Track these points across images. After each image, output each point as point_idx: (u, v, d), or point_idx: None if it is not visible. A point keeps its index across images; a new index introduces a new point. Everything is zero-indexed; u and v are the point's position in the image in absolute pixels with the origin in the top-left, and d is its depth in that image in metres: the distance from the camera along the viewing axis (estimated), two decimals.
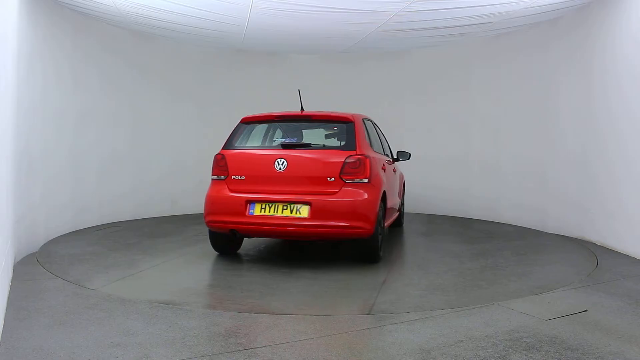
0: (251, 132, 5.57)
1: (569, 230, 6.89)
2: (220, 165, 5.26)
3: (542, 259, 5.54)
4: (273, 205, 4.92)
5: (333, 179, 4.87)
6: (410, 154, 7.06)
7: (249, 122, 5.59)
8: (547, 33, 7.21)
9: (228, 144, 5.44)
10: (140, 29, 7.58)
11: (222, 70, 8.95)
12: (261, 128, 5.64)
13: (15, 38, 4.73)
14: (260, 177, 5.07)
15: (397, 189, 6.86)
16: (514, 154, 7.87)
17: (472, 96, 8.55)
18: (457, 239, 6.77)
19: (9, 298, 3.87)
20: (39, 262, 5.03)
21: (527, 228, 7.53)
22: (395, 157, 7.01)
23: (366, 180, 4.91)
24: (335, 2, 6.07)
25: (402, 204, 7.66)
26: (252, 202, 4.98)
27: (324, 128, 5.72)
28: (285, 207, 4.87)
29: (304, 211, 4.82)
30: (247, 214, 4.97)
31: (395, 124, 8.60)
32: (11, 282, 4.30)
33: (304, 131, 5.66)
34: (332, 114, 5.49)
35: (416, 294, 4.21)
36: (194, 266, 5.23)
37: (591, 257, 5.57)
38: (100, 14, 6.81)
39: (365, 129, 5.52)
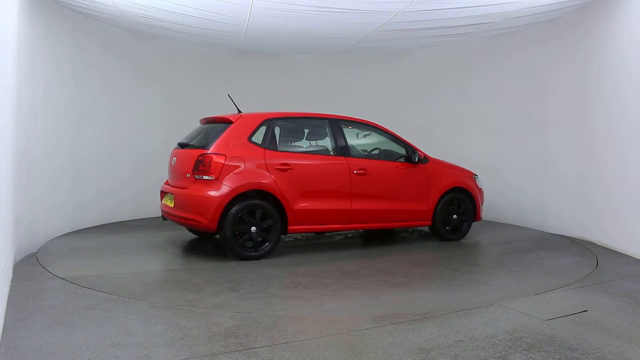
0: (194, 132, 6.17)
1: (569, 230, 6.89)
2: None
3: (542, 259, 5.54)
4: (165, 195, 5.85)
5: (189, 175, 5.43)
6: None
7: (202, 123, 6.20)
8: (547, 33, 7.21)
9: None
10: (140, 29, 7.58)
11: (222, 70, 8.95)
12: (197, 128, 6.16)
13: (15, 38, 4.73)
14: (170, 172, 6.02)
15: (401, 193, 6.20)
16: (514, 154, 7.87)
17: (472, 96, 8.55)
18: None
19: (9, 298, 3.87)
20: (39, 262, 5.03)
21: (527, 228, 7.53)
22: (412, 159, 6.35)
23: (212, 177, 5.23)
24: (335, 2, 6.07)
25: (455, 213, 6.57)
26: (163, 192, 5.96)
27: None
28: (169, 198, 5.70)
29: (172, 202, 5.58)
30: (161, 201, 5.96)
31: (395, 124, 8.59)
32: (11, 282, 4.30)
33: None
34: (225, 117, 5.75)
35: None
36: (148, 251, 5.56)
37: (591, 257, 5.57)
38: (100, 14, 6.81)
39: (259, 129, 5.59)
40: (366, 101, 9.13)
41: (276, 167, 5.47)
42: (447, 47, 8.64)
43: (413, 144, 6.51)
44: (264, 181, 5.38)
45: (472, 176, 6.88)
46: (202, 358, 2.88)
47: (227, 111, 6.21)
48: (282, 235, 5.73)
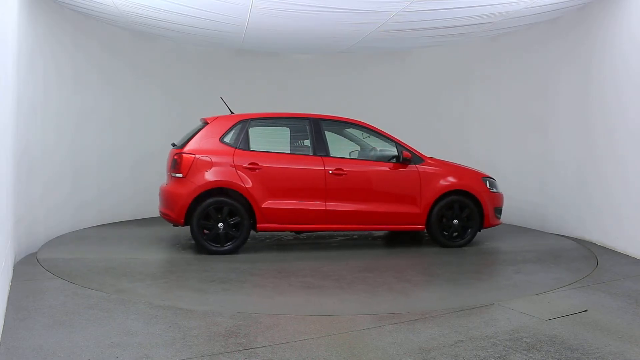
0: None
1: (569, 230, 6.89)
2: None
3: (542, 259, 5.54)
4: None
5: (168, 173, 5.85)
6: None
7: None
8: (547, 33, 7.21)
9: None
10: (140, 29, 7.58)
11: (222, 70, 8.94)
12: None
13: (15, 38, 4.73)
14: None
15: (386, 194, 5.96)
16: (513, 154, 7.87)
17: (472, 96, 8.55)
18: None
19: (9, 298, 3.87)
20: (39, 262, 5.03)
21: (527, 228, 7.53)
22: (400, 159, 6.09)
23: (181, 175, 5.61)
24: (335, 2, 6.06)
25: (457, 218, 6.12)
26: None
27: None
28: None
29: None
30: None
31: (395, 124, 8.60)
32: (11, 282, 4.30)
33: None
34: (206, 119, 6.02)
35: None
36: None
37: (591, 257, 5.57)
38: (100, 14, 6.81)
39: (232, 130, 5.83)
40: (366, 101, 9.12)
41: (244, 166, 5.66)
42: (447, 47, 8.64)
43: (407, 144, 6.20)
44: (230, 180, 5.60)
45: (481, 178, 6.32)
46: (202, 358, 2.88)
47: (226, 111, 6.22)
48: (254, 232, 5.81)
